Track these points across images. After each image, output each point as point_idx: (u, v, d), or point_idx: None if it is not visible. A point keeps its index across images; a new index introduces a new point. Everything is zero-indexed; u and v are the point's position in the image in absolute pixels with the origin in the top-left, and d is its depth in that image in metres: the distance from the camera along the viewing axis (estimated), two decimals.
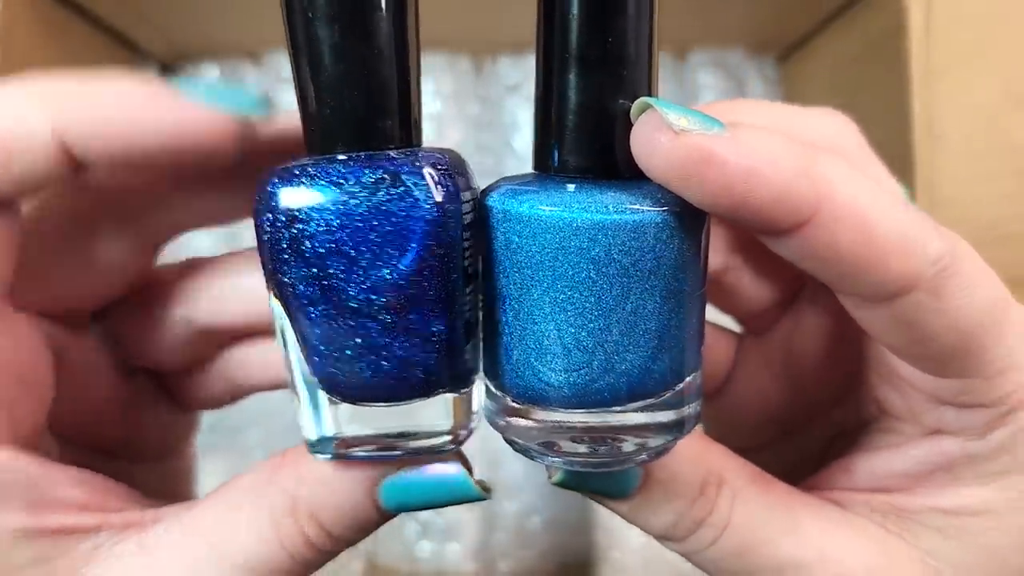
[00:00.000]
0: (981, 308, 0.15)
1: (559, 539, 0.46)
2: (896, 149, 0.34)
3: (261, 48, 0.47)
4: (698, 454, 0.17)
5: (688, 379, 0.15)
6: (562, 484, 0.17)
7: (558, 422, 0.15)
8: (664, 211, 0.14)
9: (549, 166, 0.15)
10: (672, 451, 0.16)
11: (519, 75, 0.47)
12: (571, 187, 0.14)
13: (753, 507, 0.17)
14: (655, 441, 0.15)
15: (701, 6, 0.40)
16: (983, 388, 0.16)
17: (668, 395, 0.15)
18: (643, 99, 0.14)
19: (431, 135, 0.46)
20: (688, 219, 0.14)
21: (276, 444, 0.46)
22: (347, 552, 0.49)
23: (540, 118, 0.15)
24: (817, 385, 0.21)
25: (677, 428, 0.16)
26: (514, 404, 0.15)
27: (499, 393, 0.16)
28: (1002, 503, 0.17)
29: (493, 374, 0.16)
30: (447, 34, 0.46)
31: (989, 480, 0.17)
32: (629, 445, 0.15)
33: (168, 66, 0.47)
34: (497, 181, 0.16)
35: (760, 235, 0.14)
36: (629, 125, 0.14)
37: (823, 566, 0.17)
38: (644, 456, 0.15)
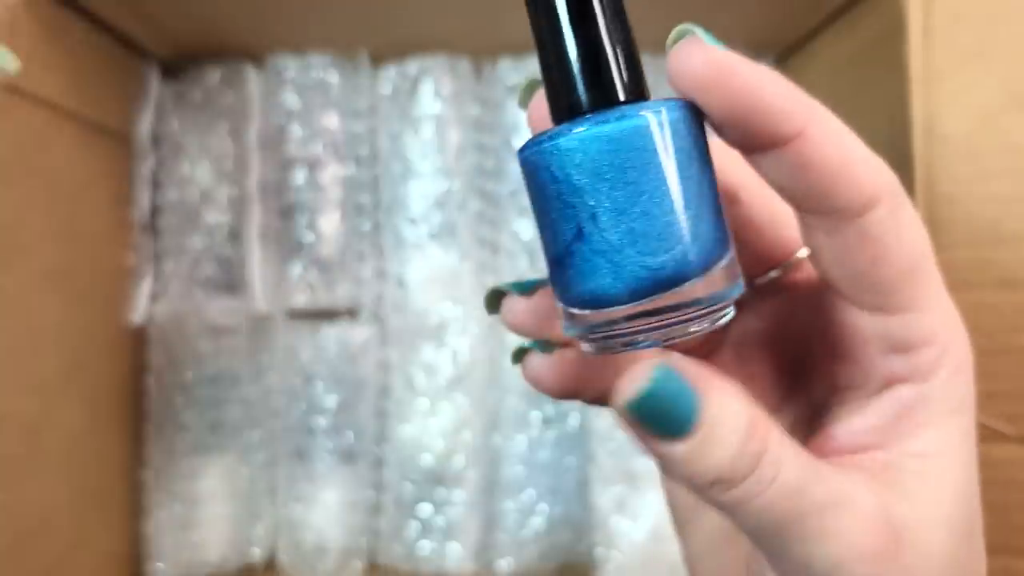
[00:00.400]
0: (923, 239, 0.17)
1: (559, 539, 0.46)
2: (895, 149, 0.34)
3: (263, 49, 0.47)
4: (740, 392, 0.17)
5: (732, 250, 0.18)
6: (634, 406, 0.16)
7: (638, 312, 0.17)
8: (677, 107, 0.17)
9: (565, 112, 0.18)
10: (718, 389, 0.17)
11: (519, 77, 0.47)
12: (587, 117, 0.17)
13: (794, 448, 0.17)
14: (715, 308, 0.17)
15: (700, 7, 0.40)
16: (921, 323, 0.18)
17: (723, 261, 0.17)
18: (683, 25, 0.17)
19: (432, 135, 0.47)
20: (692, 114, 0.17)
21: (277, 444, 0.47)
22: (348, 551, 0.49)
23: (548, 77, 0.18)
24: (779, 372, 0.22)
25: (733, 289, 0.18)
26: (593, 311, 0.17)
27: (577, 309, 0.18)
28: (949, 443, 0.18)
29: (569, 295, 0.18)
30: (448, 36, 0.46)
31: (941, 421, 0.18)
32: (696, 319, 0.17)
33: (170, 68, 0.48)
34: (530, 139, 0.18)
35: (757, 150, 0.17)
36: (628, 59, 0.17)
37: (854, 506, 0.17)
38: (707, 325, 0.17)
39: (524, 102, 0.19)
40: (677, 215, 0.17)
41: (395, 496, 0.46)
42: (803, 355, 0.21)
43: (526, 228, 0.47)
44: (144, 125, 0.46)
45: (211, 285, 0.46)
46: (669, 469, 0.17)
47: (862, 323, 0.18)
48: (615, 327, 0.17)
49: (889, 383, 0.19)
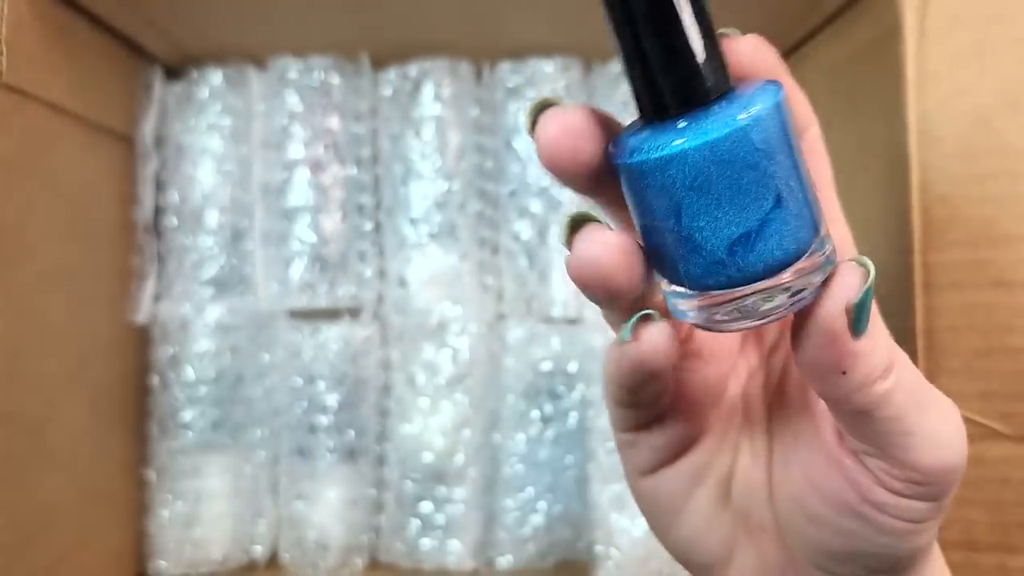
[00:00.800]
0: (827, 164, 0.21)
1: (558, 536, 0.46)
2: (892, 151, 0.35)
3: (265, 52, 0.47)
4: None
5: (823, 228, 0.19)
6: (861, 299, 0.18)
7: (744, 293, 0.18)
8: (767, 106, 0.17)
9: (654, 114, 0.18)
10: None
11: (519, 79, 0.47)
12: (682, 124, 0.17)
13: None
14: (815, 280, 0.18)
15: None
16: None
17: (818, 241, 0.18)
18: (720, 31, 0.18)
19: (433, 136, 0.47)
20: (778, 107, 0.17)
21: (280, 442, 0.47)
22: (349, 548, 0.49)
23: (634, 76, 0.18)
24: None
25: (829, 263, 0.19)
26: (714, 293, 0.18)
27: (694, 291, 0.18)
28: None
29: (679, 280, 0.19)
30: (448, 39, 0.46)
31: None
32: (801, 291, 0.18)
33: (173, 70, 0.48)
34: (619, 139, 0.18)
35: None
36: (711, 54, 0.18)
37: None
38: (808, 295, 0.18)
39: (531, 127, 0.19)
40: (780, 204, 0.18)
41: (396, 494, 0.46)
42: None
43: (526, 228, 0.47)
44: (148, 127, 0.46)
45: (214, 285, 0.47)
46: (854, 371, 0.18)
47: None
48: (720, 310, 0.18)
49: None
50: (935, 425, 0.19)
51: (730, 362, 0.24)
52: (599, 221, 0.19)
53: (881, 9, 0.35)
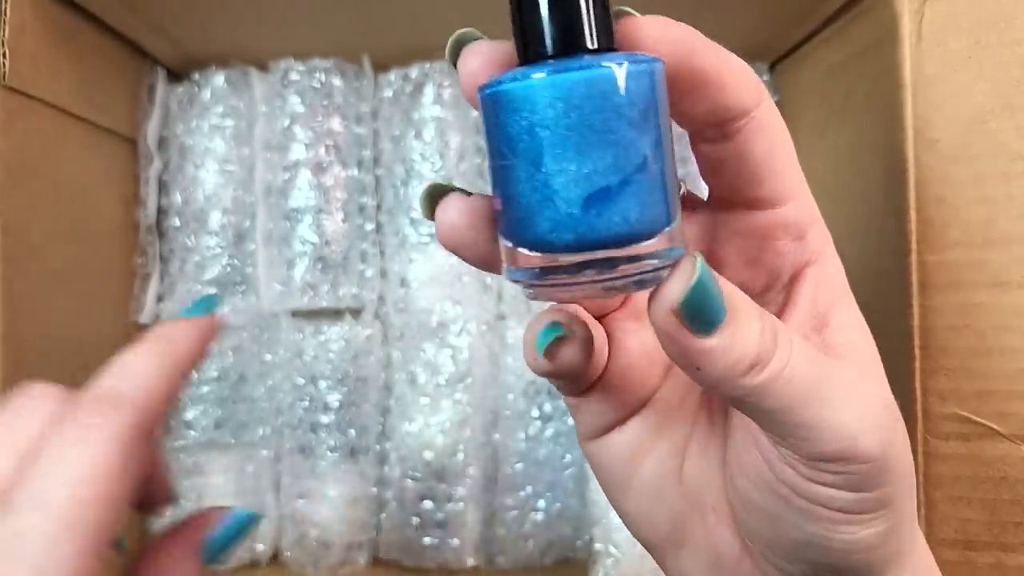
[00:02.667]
0: (786, 135, 0.20)
1: (558, 534, 0.46)
2: (889, 152, 0.35)
3: (267, 55, 0.47)
4: (737, 289, 0.19)
5: (679, 215, 0.18)
6: (687, 301, 0.18)
7: (588, 260, 0.17)
8: (635, 63, 0.17)
9: (529, 56, 0.18)
10: (720, 278, 0.19)
11: None
12: (550, 62, 0.17)
13: (795, 335, 0.19)
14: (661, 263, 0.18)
15: (694, 13, 0.40)
16: (804, 206, 0.21)
17: (670, 226, 0.18)
18: (616, 8, 0.18)
19: (433, 138, 0.47)
20: (649, 74, 0.17)
21: (282, 441, 0.47)
22: (351, 546, 0.49)
23: (517, 21, 0.18)
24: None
25: (673, 251, 0.18)
26: (546, 256, 0.18)
27: (531, 252, 0.18)
28: (852, 311, 0.22)
29: (516, 234, 0.18)
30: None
31: (841, 294, 0.22)
32: (645, 270, 0.18)
33: (176, 72, 0.48)
34: (491, 79, 0.18)
35: (696, 88, 0.19)
36: (597, 9, 0.18)
37: (864, 376, 0.20)
38: (646, 283, 0.18)
39: (452, 57, 0.20)
40: (642, 169, 0.17)
41: (397, 492, 0.46)
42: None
43: None
44: (150, 129, 0.46)
45: (216, 285, 0.47)
46: (710, 368, 0.18)
47: (762, 221, 0.21)
48: (552, 274, 0.17)
49: (796, 272, 0.22)
50: (836, 418, 0.18)
51: None
52: (459, 190, 0.19)
53: (878, 12, 0.36)
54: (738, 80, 0.19)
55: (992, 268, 0.33)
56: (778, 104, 0.49)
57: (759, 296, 0.22)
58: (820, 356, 0.19)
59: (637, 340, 0.23)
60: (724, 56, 0.19)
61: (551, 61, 0.17)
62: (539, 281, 0.18)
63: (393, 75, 0.48)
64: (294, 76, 0.47)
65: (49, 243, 0.37)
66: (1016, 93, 0.33)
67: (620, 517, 0.25)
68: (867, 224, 0.38)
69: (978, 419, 0.33)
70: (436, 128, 0.47)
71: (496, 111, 0.17)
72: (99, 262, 0.43)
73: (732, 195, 0.21)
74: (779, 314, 0.22)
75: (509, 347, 0.47)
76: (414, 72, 0.47)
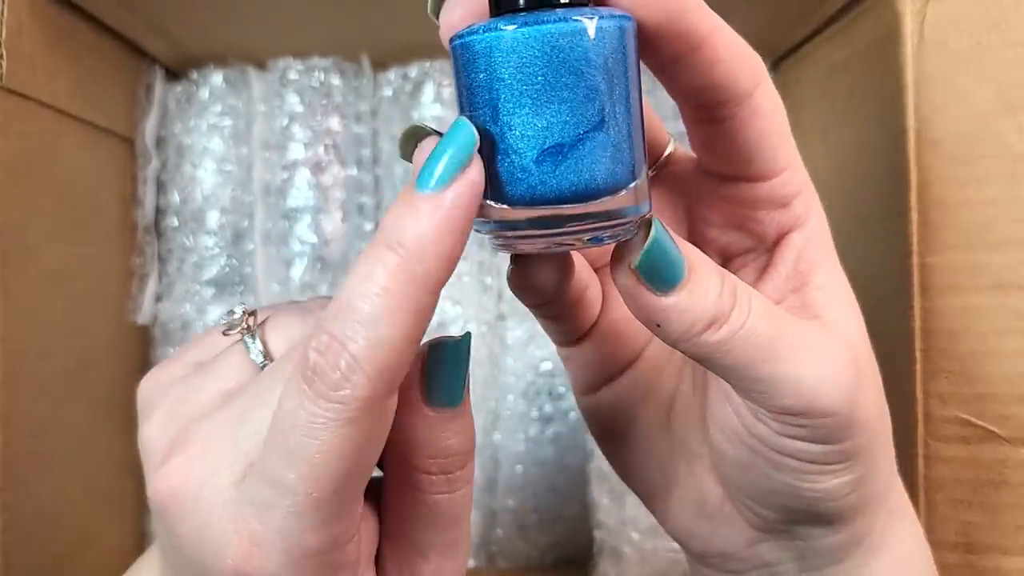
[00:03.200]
0: (781, 103, 0.21)
1: (558, 536, 0.46)
2: (890, 154, 0.35)
3: (266, 54, 0.47)
4: (697, 250, 0.19)
5: (645, 170, 0.18)
6: (645, 258, 0.18)
7: (546, 216, 0.17)
8: (598, 20, 0.17)
9: (499, 10, 0.18)
10: (684, 241, 0.19)
11: None
12: (521, 14, 0.17)
13: (756, 294, 0.20)
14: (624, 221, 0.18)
15: None
16: (793, 178, 0.21)
17: (636, 181, 0.18)
18: None
19: None
20: (615, 31, 0.17)
21: None
22: None
23: None
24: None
25: (640, 207, 0.18)
26: (504, 208, 0.18)
27: (492, 203, 0.18)
28: (835, 272, 0.23)
29: (492, 188, 0.18)
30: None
31: (824, 256, 0.22)
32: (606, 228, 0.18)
33: (173, 71, 0.48)
34: (463, 29, 0.18)
35: (681, 55, 0.18)
36: None
37: (829, 334, 0.21)
38: (609, 237, 0.18)
39: (435, 9, 0.19)
40: (600, 127, 0.17)
41: None
42: (692, 237, 0.24)
43: None
44: (148, 128, 0.46)
45: (215, 286, 0.47)
46: (669, 325, 0.19)
47: (748, 193, 0.21)
48: (518, 228, 0.18)
49: (779, 236, 0.22)
50: (796, 372, 0.19)
51: None
52: (435, 133, 0.19)
53: (880, 11, 0.35)
54: (734, 57, 0.19)
55: (993, 271, 0.33)
56: None
57: (741, 256, 0.23)
58: (781, 314, 0.20)
59: None
60: (721, 27, 0.19)
61: (520, 14, 0.17)
62: (500, 232, 0.18)
63: (392, 74, 0.48)
64: (293, 75, 0.47)
65: (46, 243, 0.37)
66: (1018, 94, 0.33)
67: (613, 468, 0.26)
68: (868, 225, 0.38)
69: (979, 422, 0.33)
70: (436, 127, 0.47)
71: (461, 63, 0.17)
72: (97, 262, 0.43)
73: (719, 168, 0.22)
74: (760, 274, 0.23)
75: (509, 348, 0.47)
76: (414, 71, 0.47)
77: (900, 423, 0.33)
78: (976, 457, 0.33)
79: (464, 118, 0.17)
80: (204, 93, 0.47)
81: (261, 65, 0.48)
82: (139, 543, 0.46)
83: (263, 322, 0.22)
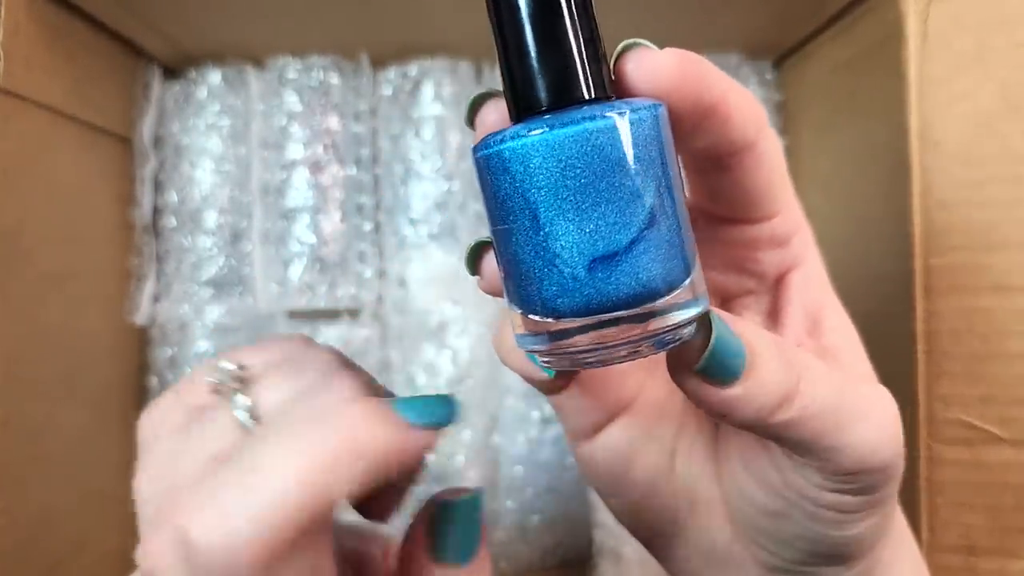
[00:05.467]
0: (780, 157, 0.21)
1: (559, 538, 0.46)
2: (893, 154, 0.35)
3: (264, 53, 0.47)
4: (755, 329, 0.19)
5: (697, 265, 0.17)
6: (707, 362, 0.17)
7: (600, 326, 0.16)
8: (633, 112, 0.16)
9: (520, 112, 0.17)
10: (742, 322, 0.18)
11: None
12: (547, 116, 0.16)
13: (807, 354, 0.20)
14: (685, 323, 0.17)
15: (700, 11, 0.40)
16: (790, 217, 0.21)
17: (689, 278, 0.17)
18: (630, 40, 0.17)
19: (433, 136, 0.47)
20: (650, 122, 0.16)
21: None
22: None
23: (507, 75, 0.17)
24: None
25: (696, 305, 0.17)
26: (555, 322, 0.17)
27: (539, 318, 0.17)
28: (839, 311, 0.23)
29: (530, 304, 0.17)
30: (448, 39, 0.46)
31: (826, 294, 0.23)
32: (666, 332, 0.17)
33: (171, 70, 0.48)
34: (484, 137, 0.17)
35: (702, 122, 0.18)
36: (589, 58, 0.17)
37: (880, 399, 0.20)
38: (668, 342, 0.17)
39: (470, 119, 0.19)
40: (651, 224, 0.16)
41: None
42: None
43: None
44: (146, 128, 0.46)
45: (213, 286, 0.47)
46: (736, 414, 0.18)
47: (748, 235, 0.22)
48: (566, 339, 0.16)
49: (779, 275, 0.22)
50: (859, 437, 0.19)
51: None
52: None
53: (883, 12, 0.35)
54: (742, 112, 0.19)
55: (996, 272, 0.33)
56: (782, 103, 0.48)
57: (742, 298, 0.23)
58: (839, 378, 0.19)
59: None
60: (730, 86, 0.18)
61: (545, 116, 0.16)
62: (553, 348, 0.17)
63: (392, 72, 0.48)
64: (291, 74, 0.47)
65: (44, 244, 0.37)
66: (1022, 95, 0.32)
67: (614, 515, 0.25)
68: (870, 226, 0.38)
69: (981, 424, 0.33)
70: (436, 126, 0.47)
71: (490, 174, 0.16)
72: (94, 263, 0.42)
73: (721, 212, 0.22)
74: (769, 319, 0.22)
75: None
76: (413, 70, 0.47)
77: (902, 425, 0.33)
78: (978, 459, 0.33)
79: (457, 401, 0.18)
80: (202, 92, 0.47)
81: (259, 64, 0.48)
82: (135, 546, 0.46)
83: (251, 377, 0.21)
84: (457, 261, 0.47)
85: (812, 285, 0.22)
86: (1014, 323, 0.32)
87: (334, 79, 0.47)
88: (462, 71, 0.47)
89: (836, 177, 0.42)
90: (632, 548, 0.44)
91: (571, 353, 0.17)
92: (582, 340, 0.16)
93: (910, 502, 0.33)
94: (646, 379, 0.24)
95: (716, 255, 0.22)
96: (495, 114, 0.18)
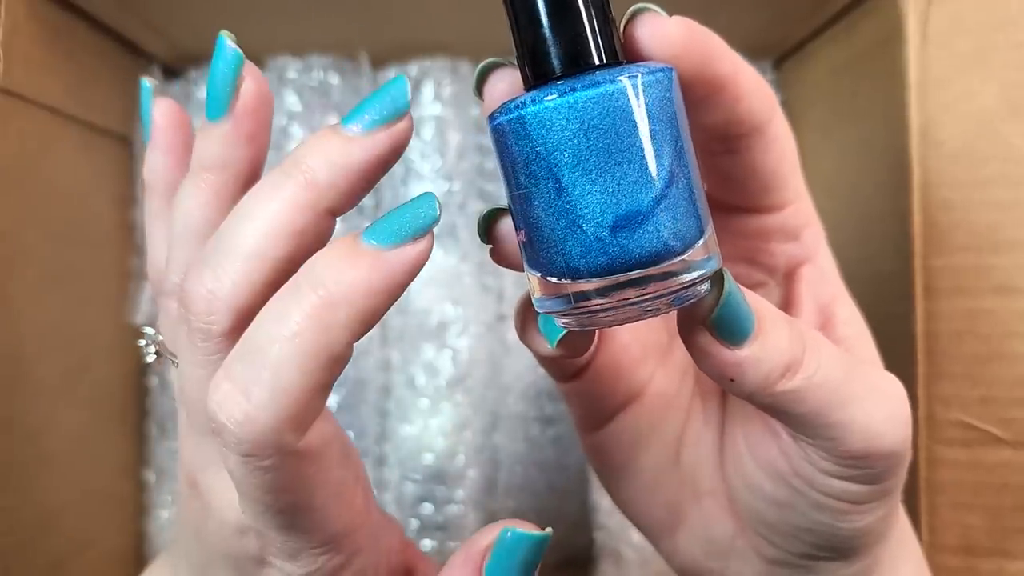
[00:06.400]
0: (792, 145, 0.21)
1: (558, 537, 0.46)
2: (893, 154, 0.35)
3: (264, 52, 0.47)
4: (763, 300, 0.19)
5: (710, 225, 0.18)
6: (719, 314, 0.17)
7: (619, 283, 0.17)
8: (649, 74, 0.16)
9: (535, 78, 0.17)
10: (749, 290, 0.18)
11: None
12: (563, 82, 0.17)
13: (819, 335, 0.20)
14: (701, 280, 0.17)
15: (699, 11, 0.40)
16: (801, 210, 0.22)
17: (702, 238, 0.17)
18: (638, 5, 0.18)
19: (433, 136, 0.47)
20: (665, 83, 0.17)
21: None
22: None
23: (520, 44, 0.17)
24: None
25: (708, 263, 0.18)
26: (574, 283, 0.17)
27: (558, 280, 0.17)
28: (849, 302, 0.23)
29: (542, 262, 0.17)
30: (448, 39, 0.46)
31: (838, 287, 0.23)
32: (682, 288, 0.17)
33: (171, 69, 0.48)
34: (501, 104, 0.17)
35: (712, 95, 0.18)
36: (601, 24, 0.17)
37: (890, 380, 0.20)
38: (684, 299, 0.17)
39: (479, 88, 0.19)
40: (671, 183, 0.16)
41: (396, 495, 0.46)
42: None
43: None
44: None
45: None
46: (744, 378, 0.18)
47: (759, 225, 0.22)
48: (588, 300, 0.17)
49: (791, 269, 0.22)
50: (865, 416, 0.19)
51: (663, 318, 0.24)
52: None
53: (883, 12, 0.35)
54: (754, 92, 0.19)
55: (998, 273, 0.33)
56: (782, 103, 0.48)
57: (754, 291, 0.23)
58: (846, 356, 0.19)
59: (628, 328, 0.23)
60: (741, 64, 0.19)
61: (559, 82, 0.17)
62: (573, 309, 0.17)
63: (392, 72, 0.47)
64: (291, 73, 0.46)
65: (43, 244, 0.37)
66: (1023, 96, 0.32)
67: (616, 504, 0.26)
68: (871, 226, 0.38)
69: (981, 425, 0.33)
70: (436, 126, 0.47)
71: (509, 140, 0.17)
72: (94, 263, 0.42)
73: (732, 200, 0.22)
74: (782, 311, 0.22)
75: (510, 349, 0.47)
76: (413, 70, 0.47)
77: None
78: (978, 460, 0.33)
79: (432, 193, 0.17)
80: (202, 92, 0.47)
81: (259, 63, 0.47)
82: (138, 545, 0.46)
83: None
84: (457, 261, 0.47)
85: (823, 280, 0.22)
86: (1015, 324, 0.32)
87: (334, 79, 0.47)
88: (462, 71, 0.47)
89: (837, 177, 0.42)
90: (632, 549, 0.44)
91: (589, 313, 0.17)
92: (600, 300, 0.17)
93: (910, 502, 0.33)
94: (656, 370, 0.24)
95: (728, 246, 0.22)
96: (504, 83, 0.18)
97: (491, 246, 0.19)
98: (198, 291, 0.17)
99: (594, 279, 0.16)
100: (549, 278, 0.17)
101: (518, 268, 0.19)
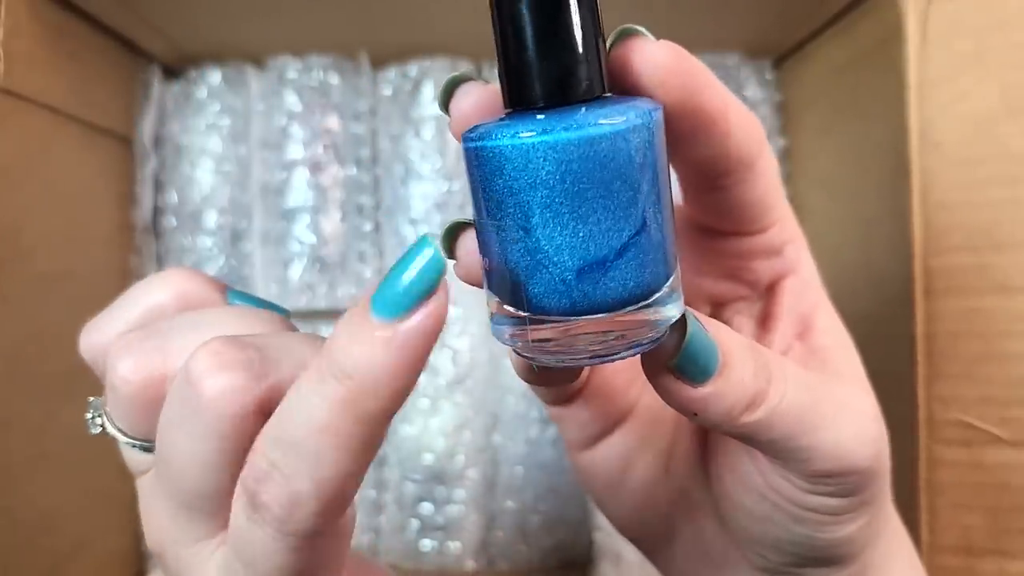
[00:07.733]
0: (776, 171, 0.21)
1: (559, 538, 0.46)
2: (893, 155, 0.35)
3: (264, 52, 0.47)
4: (728, 331, 0.19)
5: (677, 268, 0.17)
6: (682, 359, 0.17)
7: (580, 327, 0.16)
8: (633, 119, 0.16)
9: (517, 103, 0.16)
10: (715, 324, 0.18)
11: None
12: (540, 116, 0.16)
13: (783, 357, 0.20)
14: (663, 322, 0.17)
15: (700, 11, 0.40)
16: (785, 226, 0.22)
17: (669, 281, 0.17)
18: (625, 27, 0.17)
19: (433, 136, 0.47)
20: (649, 127, 0.16)
21: None
22: (350, 548, 0.49)
23: (503, 61, 0.17)
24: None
25: (673, 308, 0.17)
26: (544, 319, 0.16)
27: (523, 314, 0.16)
28: (831, 313, 0.23)
29: (513, 299, 0.16)
30: (448, 39, 0.46)
31: (819, 298, 0.23)
32: (645, 332, 0.17)
33: (171, 70, 0.48)
34: (475, 127, 0.16)
35: (700, 133, 0.18)
36: (591, 54, 0.16)
37: (859, 393, 0.21)
38: (645, 343, 0.17)
39: (444, 104, 0.18)
40: (643, 231, 0.16)
41: (396, 495, 0.46)
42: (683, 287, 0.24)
43: None
44: (146, 127, 0.46)
45: None
46: (707, 413, 0.18)
47: (743, 246, 0.22)
48: (546, 340, 0.16)
49: (772, 283, 0.23)
50: (833, 437, 0.19)
51: None
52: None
53: (883, 13, 0.35)
54: (743, 127, 0.19)
55: (996, 273, 0.33)
56: (782, 103, 0.48)
57: (734, 304, 0.23)
58: (812, 380, 0.19)
59: None
60: (730, 97, 0.18)
61: (541, 115, 0.16)
62: (531, 346, 0.17)
63: (392, 72, 0.47)
64: (291, 74, 0.47)
65: (43, 244, 0.37)
66: (1022, 96, 0.32)
67: (610, 520, 0.26)
68: (870, 226, 0.38)
69: (981, 425, 0.33)
70: (436, 126, 0.47)
71: (482, 168, 0.16)
72: (94, 263, 0.42)
73: (717, 226, 0.22)
74: (761, 323, 0.23)
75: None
76: (413, 70, 0.47)
77: (902, 426, 0.33)
78: (978, 460, 0.33)
79: (429, 237, 0.15)
80: (202, 92, 0.47)
81: (259, 63, 0.48)
82: (136, 546, 0.46)
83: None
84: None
85: (804, 291, 0.22)
86: (1014, 324, 0.32)
87: (334, 79, 0.47)
88: (462, 71, 0.47)
89: (836, 178, 0.42)
90: (632, 550, 0.44)
91: (552, 352, 0.17)
92: (558, 338, 0.16)
93: (910, 502, 0.33)
94: (643, 388, 0.24)
95: (710, 265, 0.22)
96: (470, 98, 0.17)
97: (453, 261, 0.19)
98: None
99: (553, 319, 0.16)
100: (507, 307, 0.17)
101: (478, 285, 0.18)
